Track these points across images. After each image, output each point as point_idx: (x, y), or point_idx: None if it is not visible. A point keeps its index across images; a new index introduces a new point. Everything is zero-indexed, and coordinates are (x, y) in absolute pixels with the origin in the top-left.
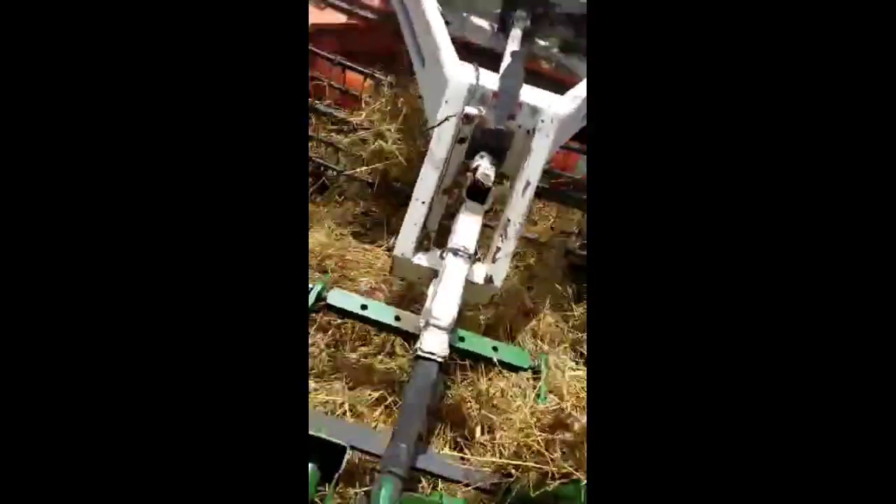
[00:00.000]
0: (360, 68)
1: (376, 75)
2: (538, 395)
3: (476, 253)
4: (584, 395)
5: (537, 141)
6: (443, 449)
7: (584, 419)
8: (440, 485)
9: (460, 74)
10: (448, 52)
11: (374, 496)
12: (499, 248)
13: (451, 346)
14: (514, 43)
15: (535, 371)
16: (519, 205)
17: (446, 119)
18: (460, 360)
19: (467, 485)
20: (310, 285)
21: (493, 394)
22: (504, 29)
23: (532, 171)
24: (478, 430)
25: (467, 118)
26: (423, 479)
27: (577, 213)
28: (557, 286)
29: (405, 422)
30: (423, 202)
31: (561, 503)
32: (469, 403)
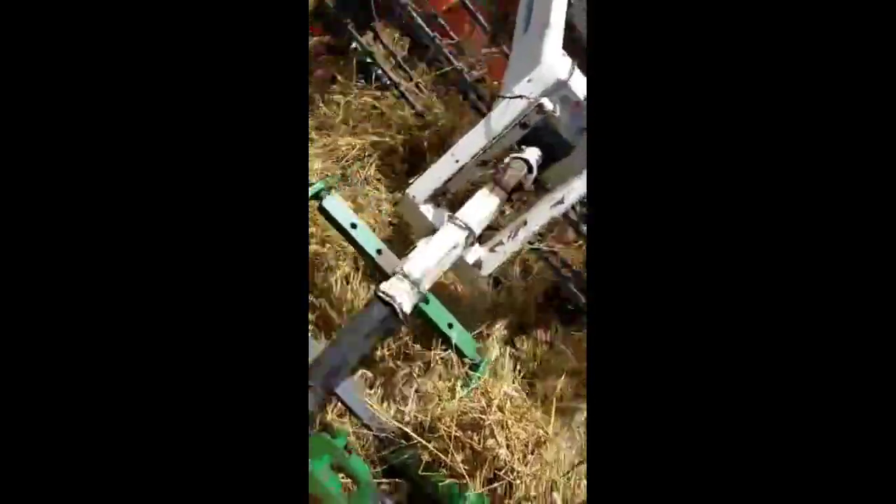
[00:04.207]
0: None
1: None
2: (468, 391)
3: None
4: (509, 415)
5: None
6: (366, 390)
7: (501, 441)
8: (349, 418)
9: (556, 65)
10: (555, 35)
11: None
12: (501, 243)
13: (413, 305)
14: None
15: (474, 365)
16: (541, 214)
17: (521, 97)
18: (415, 318)
19: (368, 427)
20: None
21: (432, 366)
22: None
23: (571, 191)
24: (402, 389)
25: (540, 109)
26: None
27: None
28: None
29: (339, 349)
30: (458, 161)
31: (434, 494)
32: (406, 362)
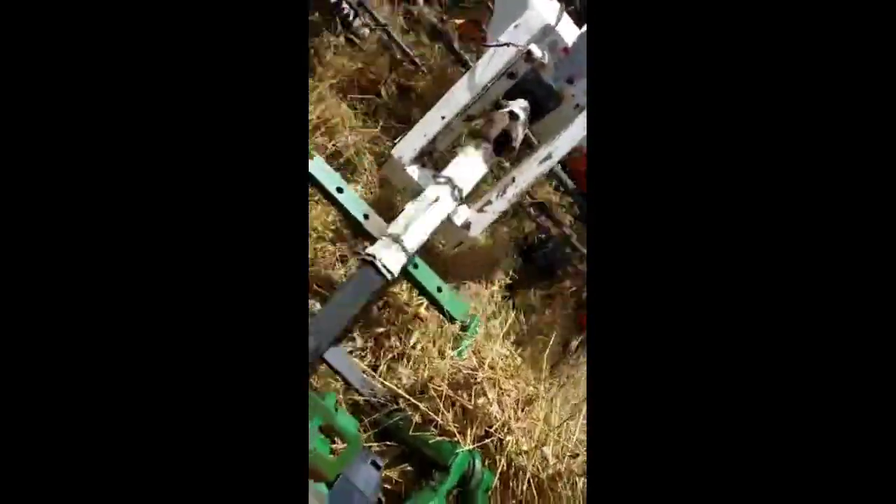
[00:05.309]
0: None
1: None
2: (459, 351)
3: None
4: (500, 373)
5: (581, 120)
6: (354, 353)
7: (492, 399)
8: (339, 384)
9: (544, 8)
10: None
11: None
12: (490, 202)
13: (401, 268)
14: None
15: (464, 327)
16: (530, 171)
17: (507, 45)
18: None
19: (360, 393)
20: None
21: (421, 327)
22: None
23: (560, 145)
24: (392, 353)
25: (529, 56)
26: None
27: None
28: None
29: (329, 314)
30: (444, 117)
31: (430, 454)
32: (394, 326)
